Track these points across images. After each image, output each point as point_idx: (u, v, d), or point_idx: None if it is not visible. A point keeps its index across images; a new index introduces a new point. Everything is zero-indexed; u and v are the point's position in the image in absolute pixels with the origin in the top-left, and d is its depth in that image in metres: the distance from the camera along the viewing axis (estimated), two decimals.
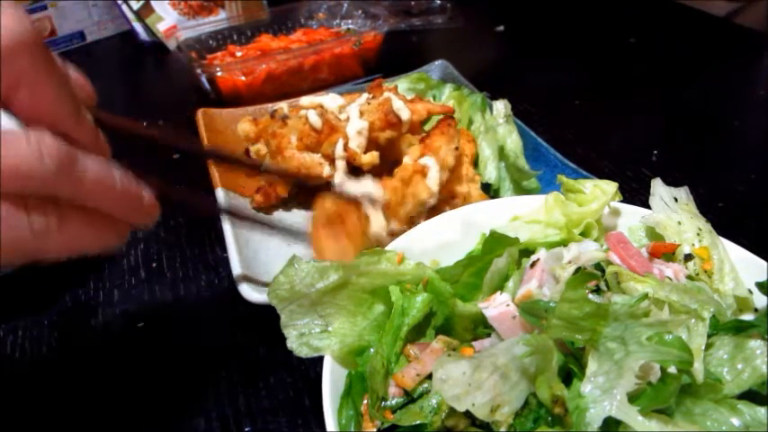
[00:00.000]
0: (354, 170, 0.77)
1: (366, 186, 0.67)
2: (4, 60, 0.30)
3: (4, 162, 0.30)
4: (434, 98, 0.96)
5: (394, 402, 0.44)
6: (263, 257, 0.70)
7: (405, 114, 0.77)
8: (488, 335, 0.48)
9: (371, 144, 0.77)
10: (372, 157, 0.75)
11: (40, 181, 0.32)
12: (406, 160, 0.73)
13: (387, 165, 0.78)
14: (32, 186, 0.32)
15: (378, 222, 0.67)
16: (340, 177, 0.76)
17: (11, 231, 0.31)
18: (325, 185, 0.71)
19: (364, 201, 0.66)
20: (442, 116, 0.77)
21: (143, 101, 1.27)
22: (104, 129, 0.38)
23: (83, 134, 0.36)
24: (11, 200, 0.31)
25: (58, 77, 0.34)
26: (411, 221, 0.70)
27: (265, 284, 0.62)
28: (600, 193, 0.58)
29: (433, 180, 0.70)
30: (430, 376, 0.43)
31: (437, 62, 1.09)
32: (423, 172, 0.70)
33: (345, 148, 0.75)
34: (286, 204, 0.81)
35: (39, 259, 0.34)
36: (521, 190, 0.81)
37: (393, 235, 0.62)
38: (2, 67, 0.30)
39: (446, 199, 0.75)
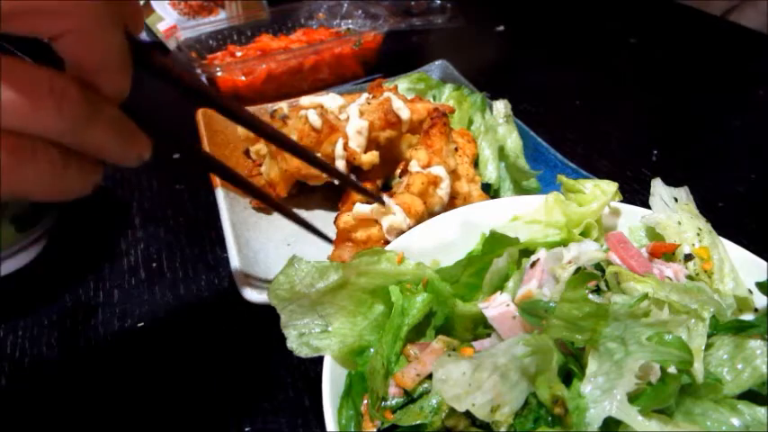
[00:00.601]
0: (355, 170, 0.77)
1: (394, 215, 0.67)
2: (56, 11, 0.29)
3: (20, 101, 0.29)
4: (434, 98, 0.96)
5: (394, 402, 0.44)
6: (263, 257, 0.70)
7: (404, 114, 0.77)
8: (488, 335, 0.48)
9: (371, 144, 0.77)
10: (372, 157, 0.75)
11: (52, 131, 0.31)
12: (415, 167, 0.72)
13: (387, 164, 0.78)
14: (40, 132, 0.31)
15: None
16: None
17: (10, 171, 0.31)
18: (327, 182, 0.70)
19: (388, 230, 0.67)
20: (434, 115, 0.77)
21: (143, 101, 1.27)
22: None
23: (113, 90, 0.36)
24: (19, 139, 0.31)
25: (112, 34, 0.33)
26: None
27: (265, 284, 0.63)
28: (600, 193, 0.58)
29: (445, 191, 0.71)
30: (430, 376, 0.43)
31: (437, 62, 1.09)
32: (435, 182, 0.70)
33: (345, 147, 0.75)
34: (286, 204, 0.81)
35: (22, 197, 0.34)
36: (521, 190, 0.81)
37: None
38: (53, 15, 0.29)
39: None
